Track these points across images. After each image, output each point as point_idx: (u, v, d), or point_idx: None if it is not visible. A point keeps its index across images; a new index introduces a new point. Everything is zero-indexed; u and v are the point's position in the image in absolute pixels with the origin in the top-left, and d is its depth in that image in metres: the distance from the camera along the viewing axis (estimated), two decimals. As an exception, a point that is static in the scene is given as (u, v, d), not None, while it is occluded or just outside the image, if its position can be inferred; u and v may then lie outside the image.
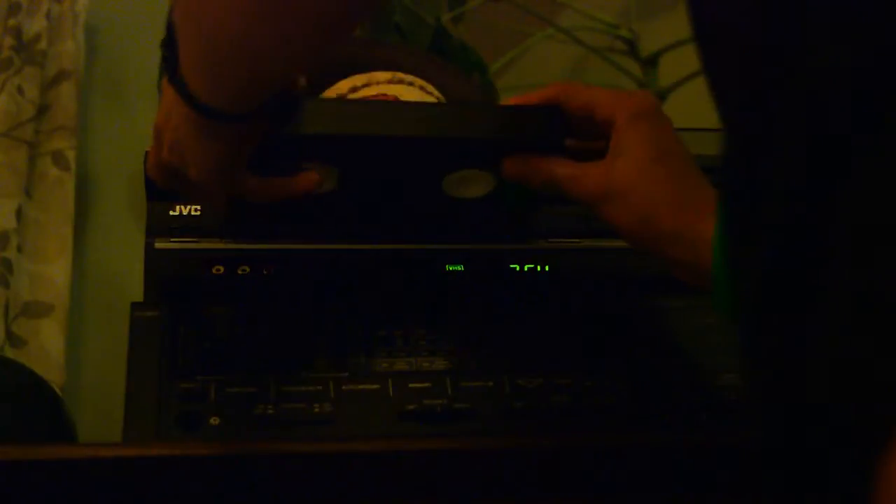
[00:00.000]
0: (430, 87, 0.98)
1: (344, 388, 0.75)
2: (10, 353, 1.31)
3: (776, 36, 0.44)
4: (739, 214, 0.48)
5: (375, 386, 0.76)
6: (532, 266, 0.83)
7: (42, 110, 1.46)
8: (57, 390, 1.18)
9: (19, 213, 1.38)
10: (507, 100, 0.79)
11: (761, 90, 0.45)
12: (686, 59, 1.41)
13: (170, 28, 0.67)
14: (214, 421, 0.72)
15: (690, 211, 0.70)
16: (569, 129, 0.73)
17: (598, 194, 0.70)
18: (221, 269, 0.80)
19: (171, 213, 0.82)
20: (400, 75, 0.99)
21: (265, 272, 0.80)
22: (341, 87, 0.93)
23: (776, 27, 0.44)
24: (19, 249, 1.37)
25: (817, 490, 0.42)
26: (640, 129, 0.72)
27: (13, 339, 1.34)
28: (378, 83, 0.93)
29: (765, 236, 0.45)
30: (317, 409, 0.73)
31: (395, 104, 0.87)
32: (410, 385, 0.76)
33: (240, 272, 0.80)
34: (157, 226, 0.82)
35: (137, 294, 0.82)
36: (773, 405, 0.45)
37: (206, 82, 0.66)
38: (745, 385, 0.49)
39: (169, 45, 0.67)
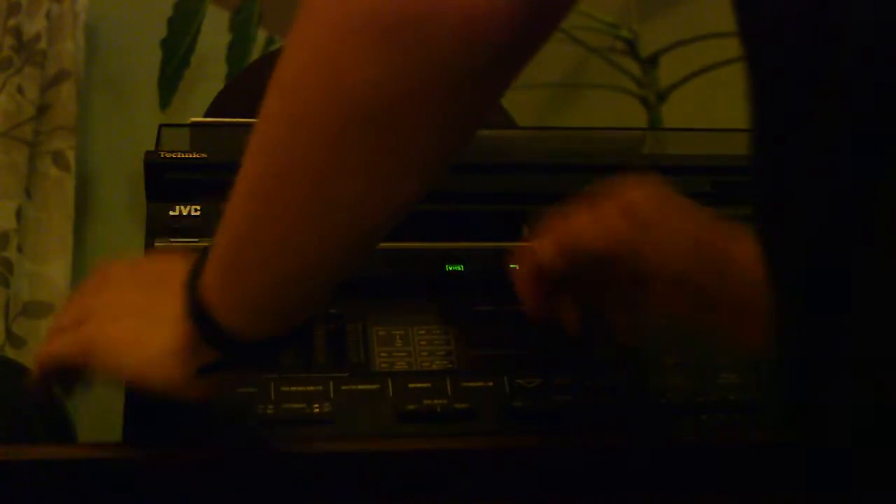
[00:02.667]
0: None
1: (344, 388, 0.75)
2: (10, 353, 1.31)
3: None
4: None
5: (375, 386, 0.76)
6: (532, 266, 0.83)
7: (42, 110, 1.46)
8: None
9: (19, 213, 1.38)
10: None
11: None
12: (686, 59, 1.41)
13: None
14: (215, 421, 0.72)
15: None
16: None
17: None
18: (221, 269, 0.79)
19: (171, 213, 0.82)
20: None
21: (265, 272, 0.80)
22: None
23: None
24: (19, 249, 1.37)
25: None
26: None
27: (13, 339, 1.34)
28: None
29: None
30: (317, 409, 0.73)
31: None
32: (410, 385, 0.76)
33: (240, 272, 0.79)
34: (157, 226, 0.82)
35: (137, 294, 0.81)
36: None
37: (234, 296, 0.61)
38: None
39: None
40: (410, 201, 0.57)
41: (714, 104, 1.41)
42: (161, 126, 0.91)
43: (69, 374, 0.68)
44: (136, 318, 0.65)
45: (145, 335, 0.64)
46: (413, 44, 0.50)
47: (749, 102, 0.50)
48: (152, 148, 0.86)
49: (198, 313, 0.61)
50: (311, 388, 0.75)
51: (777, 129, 0.48)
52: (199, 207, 0.82)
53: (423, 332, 0.79)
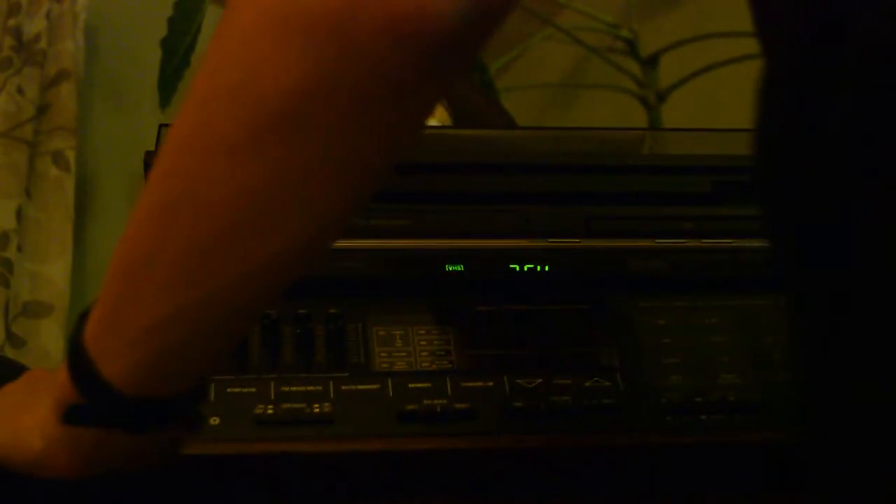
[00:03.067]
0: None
1: (344, 388, 0.75)
2: (10, 353, 1.31)
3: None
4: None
5: (375, 386, 0.76)
6: (532, 266, 0.83)
7: (42, 110, 1.46)
8: (57, 390, 1.18)
9: (19, 213, 1.38)
10: None
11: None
12: (686, 59, 1.41)
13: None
14: (214, 421, 0.72)
15: None
16: None
17: None
18: (221, 269, 0.80)
19: (171, 213, 0.82)
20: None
21: (265, 272, 0.80)
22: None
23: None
24: (19, 249, 1.37)
25: None
26: None
27: (13, 339, 1.34)
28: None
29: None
30: (317, 409, 0.73)
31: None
32: (410, 385, 0.76)
33: (240, 272, 0.80)
34: (157, 226, 0.82)
35: (137, 294, 0.81)
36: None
37: (114, 339, 0.53)
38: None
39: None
40: (332, 226, 0.51)
41: (714, 104, 1.41)
42: (161, 126, 0.91)
43: None
44: (5, 407, 0.61)
45: (11, 418, 0.59)
46: (335, 45, 0.46)
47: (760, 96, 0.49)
48: (152, 148, 0.86)
49: (77, 360, 0.55)
50: (311, 388, 0.75)
51: (789, 125, 0.47)
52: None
53: (423, 332, 0.79)
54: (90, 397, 0.55)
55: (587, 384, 0.77)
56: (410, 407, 0.75)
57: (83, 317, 0.56)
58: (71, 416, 0.56)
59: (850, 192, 0.42)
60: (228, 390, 0.74)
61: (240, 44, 0.47)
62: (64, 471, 0.58)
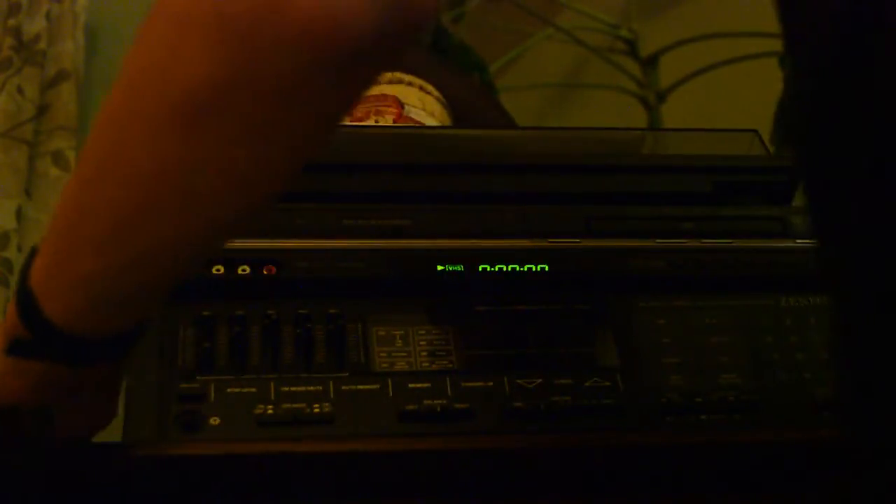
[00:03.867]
0: (429, 87, 0.99)
1: (344, 388, 0.75)
2: (10, 353, 1.31)
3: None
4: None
5: (375, 386, 0.76)
6: (532, 266, 0.83)
7: (42, 110, 1.46)
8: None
9: (19, 213, 1.38)
10: None
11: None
12: (686, 59, 1.41)
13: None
14: (214, 421, 0.72)
15: None
16: None
17: None
18: (221, 269, 0.80)
19: (171, 213, 0.82)
20: (399, 75, 0.99)
21: (265, 272, 0.80)
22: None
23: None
24: (19, 249, 1.37)
25: None
26: None
27: (13, 339, 1.34)
28: (378, 83, 0.93)
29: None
30: (317, 409, 0.73)
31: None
32: (410, 385, 0.76)
33: (240, 272, 0.80)
34: (157, 226, 0.82)
35: (137, 294, 0.81)
36: None
37: (46, 272, 0.58)
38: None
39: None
40: (236, 215, 0.55)
41: (714, 104, 1.41)
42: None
43: None
44: None
45: None
46: (248, 41, 0.48)
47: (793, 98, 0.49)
48: (152, 148, 0.86)
49: (22, 297, 0.59)
50: (311, 388, 0.75)
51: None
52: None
53: (423, 332, 0.79)
54: (33, 332, 0.60)
55: (587, 384, 0.77)
56: (410, 407, 0.75)
57: (31, 255, 0.60)
58: (14, 348, 0.61)
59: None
60: (228, 390, 0.74)
61: (162, 31, 0.51)
62: (12, 397, 0.62)
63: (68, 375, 0.62)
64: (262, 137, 0.51)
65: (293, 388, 0.74)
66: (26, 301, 0.59)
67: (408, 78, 0.95)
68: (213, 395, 0.73)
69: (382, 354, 0.78)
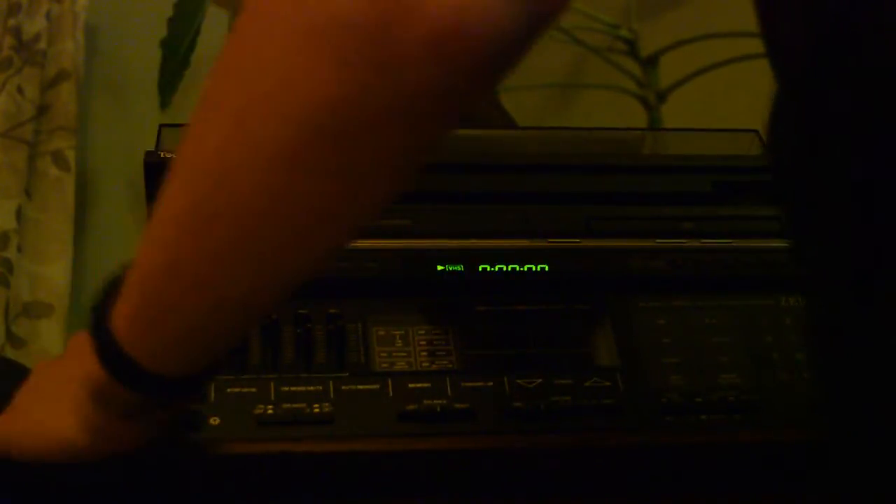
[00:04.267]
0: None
1: (344, 388, 0.75)
2: (10, 353, 1.31)
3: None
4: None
5: (375, 386, 0.76)
6: (532, 266, 0.83)
7: (42, 110, 1.46)
8: (57, 390, 1.18)
9: (19, 213, 1.38)
10: None
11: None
12: (686, 59, 1.41)
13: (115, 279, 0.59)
14: (214, 421, 0.72)
15: None
16: None
17: None
18: (221, 269, 0.79)
19: (171, 213, 0.82)
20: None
21: (265, 272, 0.80)
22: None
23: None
24: (19, 249, 1.37)
25: None
26: None
27: (13, 339, 1.34)
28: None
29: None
30: (317, 409, 0.73)
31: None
32: (410, 385, 0.76)
33: (240, 272, 0.80)
34: (157, 226, 0.82)
35: (137, 294, 0.81)
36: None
37: (140, 324, 0.56)
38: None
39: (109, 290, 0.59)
40: (352, 234, 0.53)
41: (714, 104, 1.41)
42: (161, 126, 0.91)
43: None
44: (37, 406, 0.65)
45: (46, 417, 0.63)
46: (370, 59, 0.44)
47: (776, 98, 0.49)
48: (152, 148, 0.86)
49: (111, 357, 0.58)
50: (311, 388, 0.75)
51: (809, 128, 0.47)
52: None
53: (423, 332, 0.79)
54: (146, 392, 0.59)
55: (587, 384, 0.77)
56: (410, 407, 0.75)
57: (101, 315, 0.58)
58: (130, 411, 0.61)
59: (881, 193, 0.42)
60: (228, 390, 0.74)
61: (274, 54, 0.47)
62: (117, 453, 0.63)
63: (164, 415, 0.63)
64: (384, 158, 0.48)
65: (293, 388, 0.74)
66: (124, 363, 0.57)
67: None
68: (213, 394, 0.73)
69: (382, 354, 0.78)
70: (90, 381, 0.60)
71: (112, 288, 0.59)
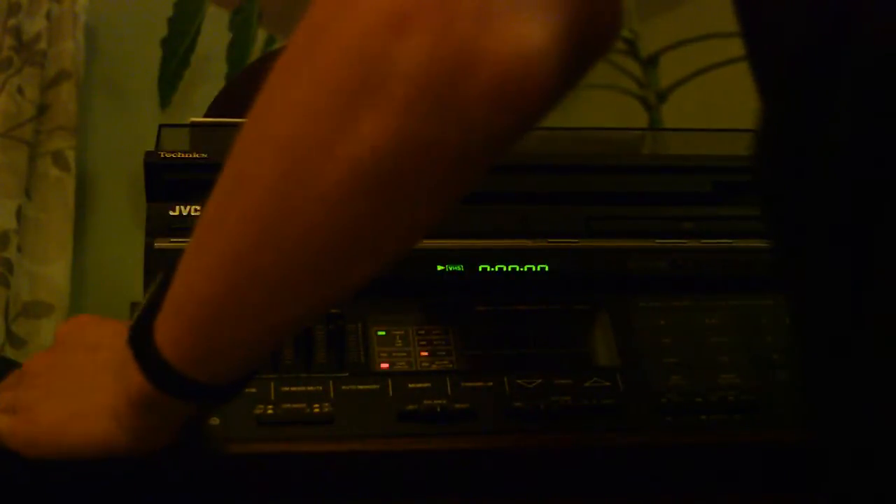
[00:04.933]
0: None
1: (344, 388, 0.75)
2: (10, 353, 1.31)
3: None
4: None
5: (375, 386, 0.76)
6: (532, 266, 0.83)
7: (42, 110, 1.46)
8: (57, 390, 1.18)
9: (19, 213, 1.38)
10: None
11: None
12: (686, 59, 1.41)
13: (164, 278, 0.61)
14: (214, 421, 0.72)
15: None
16: None
17: None
18: (221, 269, 0.79)
19: (171, 213, 0.82)
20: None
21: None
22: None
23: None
24: (19, 249, 1.37)
25: None
26: None
27: (13, 339, 1.34)
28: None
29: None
30: (317, 409, 0.73)
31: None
32: (410, 385, 0.76)
33: (240, 272, 0.80)
34: (157, 226, 0.82)
35: (137, 294, 0.81)
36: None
37: (192, 344, 0.59)
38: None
39: (156, 295, 0.61)
40: (380, 272, 0.54)
41: (714, 104, 1.41)
42: (161, 126, 0.91)
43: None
44: (70, 393, 0.65)
45: (80, 423, 0.64)
46: (435, 109, 0.45)
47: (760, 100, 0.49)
48: (152, 148, 0.86)
49: (158, 370, 0.60)
50: (311, 388, 0.75)
51: (793, 127, 0.47)
52: (199, 207, 0.82)
53: (423, 332, 0.79)
54: (189, 397, 0.61)
55: (587, 384, 0.77)
56: (410, 407, 0.75)
57: (145, 330, 0.60)
58: (192, 423, 0.64)
59: (862, 193, 0.42)
60: (228, 390, 0.73)
61: (328, 98, 0.47)
62: (151, 451, 0.64)
63: (187, 416, 0.64)
64: (435, 195, 0.50)
65: (293, 388, 0.74)
66: (165, 373, 0.59)
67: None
68: (213, 395, 0.73)
69: (382, 354, 0.78)
70: (132, 390, 0.61)
71: (153, 303, 0.60)
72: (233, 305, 0.56)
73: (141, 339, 0.60)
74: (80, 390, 0.65)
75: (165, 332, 0.59)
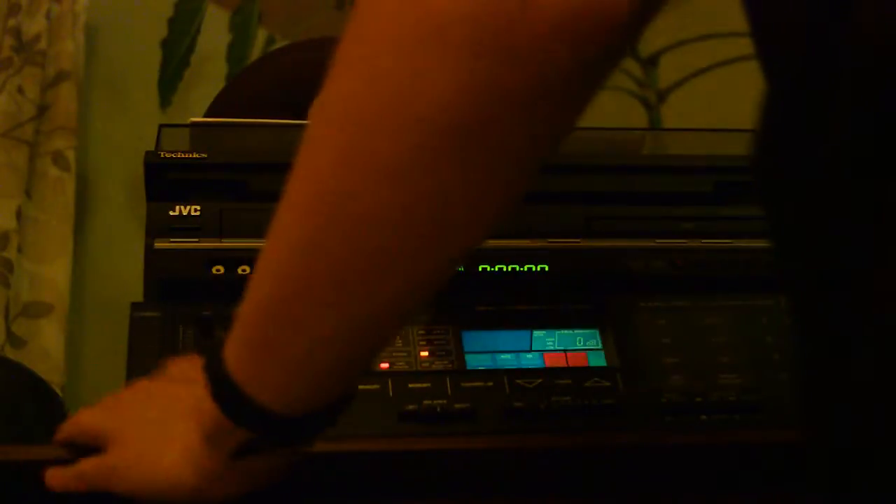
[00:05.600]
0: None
1: (344, 388, 0.75)
2: (10, 353, 1.31)
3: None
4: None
5: (375, 386, 0.76)
6: (532, 266, 0.83)
7: (42, 110, 1.46)
8: (57, 390, 1.18)
9: (19, 213, 1.38)
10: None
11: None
12: (686, 59, 1.41)
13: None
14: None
15: None
16: None
17: None
18: (221, 269, 0.80)
19: (171, 213, 0.82)
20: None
21: (265, 272, 0.80)
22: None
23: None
24: (19, 249, 1.37)
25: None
26: None
27: (13, 339, 1.34)
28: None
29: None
30: (317, 409, 0.73)
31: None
32: (410, 385, 0.76)
33: (240, 272, 0.80)
34: (157, 226, 0.82)
35: (137, 294, 0.82)
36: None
37: (251, 356, 0.54)
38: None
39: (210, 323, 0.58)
40: (484, 237, 0.50)
41: (714, 104, 1.41)
42: (161, 126, 0.91)
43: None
44: (145, 437, 0.61)
45: (153, 451, 0.60)
46: (499, 52, 0.43)
47: (764, 98, 0.49)
48: (152, 148, 0.86)
49: (225, 392, 0.55)
50: (311, 388, 0.74)
51: (793, 127, 0.46)
52: (199, 207, 0.82)
53: (422, 332, 0.79)
54: (261, 430, 0.56)
55: (587, 384, 0.77)
56: (410, 407, 0.75)
57: (216, 348, 0.56)
58: (242, 451, 0.58)
59: (864, 191, 0.42)
60: (228, 390, 0.73)
61: (393, 58, 0.44)
62: (221, 498, 0.60)
63: (288, 457, 0.61)
64: (510, 152, 0.46)
65: (293, 388, 0.74)
66: (236, 399, 0.55)
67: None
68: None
69: (382, 354, 0.78)
70: (201, 415, 0.57)
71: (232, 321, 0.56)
72: (290, 303, 0.51)
73: (211, 359, 0.56)
74: (155, 429, 0.61)
75: (232, 349, 0.55)
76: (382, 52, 0.45)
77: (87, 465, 0.63)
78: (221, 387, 0.55)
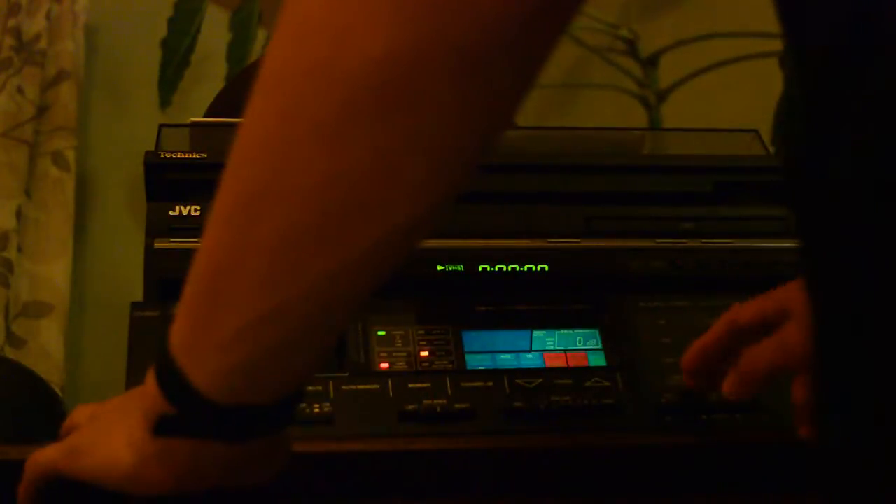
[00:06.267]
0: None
1: (344, 388, 0.75)
2: (10, 353, 1.31)
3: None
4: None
5: (375, 386, 0.76)
6: (532, 266, 0.83)
7: (42, 110, 1.46)
8: (57, 390, 1.18)
9: (19, 213, 1.38)
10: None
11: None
12: (686, 59, 1.41)
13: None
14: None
15: None
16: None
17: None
18: (221, 269, 0.79)
19: (171, 213, 0.82)
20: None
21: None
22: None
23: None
24: (19, 249, 1.37)
25: None
26: None
27: (13, 339, 1.34)
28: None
29: None
30: (317, 409, 0.73)
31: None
32: (410, 385, 0.76)
33: (240, 272, 0.80)
34: (157, 226, 0.82)
35: (137, 294, 0.82)
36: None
37: (191, 334, 0.51)
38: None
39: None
40: (431, 211, 0.46)
41: (714, 104, 1.41)
42: (161, 126, 0.91)
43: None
44: (105, 420, 0.58)
45: (105, 432, 0.57)
46: (430, 2, 0.40)
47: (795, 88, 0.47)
48: (152, 148, 0.86)
49: (161, 362, 0.52)
50: (311, 388, 0.75)
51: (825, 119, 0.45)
52: (199, 207, 0.82)
53: (422, 332, 0.79)
54: (181, 407, 0.52)
55: (587, 384, 0.77)
56: (410, 407, 0.75)
57: (162, 349, 0.54)
58: (161, 427, 0.53)
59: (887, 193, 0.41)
60: (228, 390, 0.73)
61: (319, 15, 0.42)
62: (156, 485, 0.54)
63: (224, 454, 0.54)
64: (455, 111, 0.43)
65: (293, 388, 0.74)
66: (168, 372, 0.51)
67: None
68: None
69: (382, 354, 0.78)
70: (145, 389, 0.54)
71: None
72: (227, 278, 0.48)
73: (160, 346, 0.54)
74: (107, 422, 0.58)
75: (174, 330, 0.52)
76: (312, 9, 0.43)
77: (53, 448, 0.60)
78: (162, 365, 0.52)
